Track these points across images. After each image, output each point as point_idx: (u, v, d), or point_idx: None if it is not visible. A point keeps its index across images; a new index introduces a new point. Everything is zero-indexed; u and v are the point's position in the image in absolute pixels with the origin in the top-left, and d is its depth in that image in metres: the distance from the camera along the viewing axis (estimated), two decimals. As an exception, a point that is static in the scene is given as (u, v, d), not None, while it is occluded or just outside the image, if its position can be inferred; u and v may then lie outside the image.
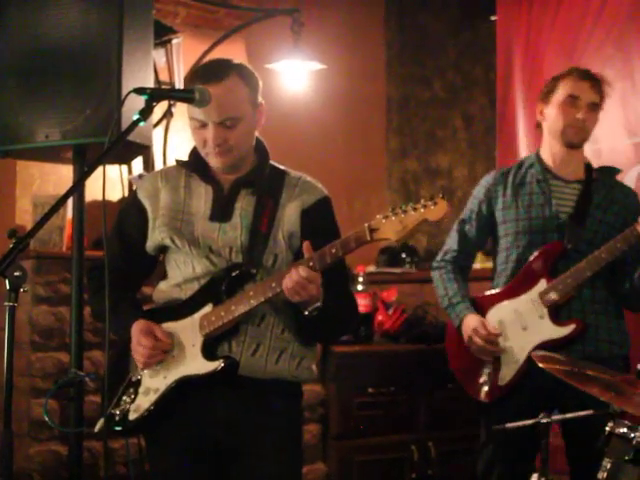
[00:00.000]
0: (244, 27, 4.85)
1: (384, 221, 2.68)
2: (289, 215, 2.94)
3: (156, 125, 4.71)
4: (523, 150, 5.11)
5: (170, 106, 4.63)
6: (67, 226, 4.45)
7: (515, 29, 5.18)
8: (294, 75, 5.28)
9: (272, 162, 3.04)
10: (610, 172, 3.84)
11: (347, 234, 2.74)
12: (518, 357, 3.70)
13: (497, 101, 5.42)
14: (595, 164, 3.85)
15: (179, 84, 4.55)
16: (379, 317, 5.49)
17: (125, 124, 3.05)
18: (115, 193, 4.72)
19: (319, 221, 2.96)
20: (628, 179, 4.37)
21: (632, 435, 2.80)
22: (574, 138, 3.71)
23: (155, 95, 2.71)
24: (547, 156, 3.79)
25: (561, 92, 3.69)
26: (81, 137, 3.39)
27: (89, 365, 4.27)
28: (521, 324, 3.71)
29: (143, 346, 2.87)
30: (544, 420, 3.14)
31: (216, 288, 2.90)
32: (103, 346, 3.96)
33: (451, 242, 3.96)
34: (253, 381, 2.89)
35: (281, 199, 2.96)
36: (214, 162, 2.92)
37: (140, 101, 2.71)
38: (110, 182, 4.07)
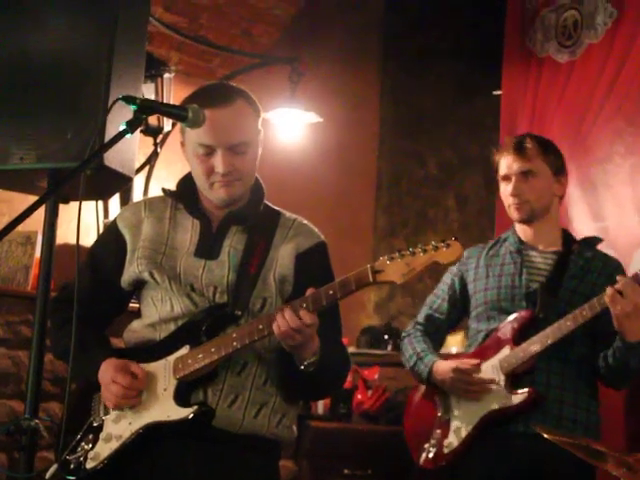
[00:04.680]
0: (238, 74, 4.69)
1: (389, 263, 2.47)
2: (282, 258, 2.74)
3: (138, 171, 4.47)
4: (523, 226, 4.90)
5: (156, 146, 4.40)
6: (34, 266, 4.24)
7: (521, 102, 5.08)
8: (289, 125, 5.20)
9: (266, 201, 2.85)
10: (591, 242, 3.68)
11: (347, 274, 2.51)
12: (467, 424, 3.53)
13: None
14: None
15: (169, 124, 4.32)
16: (358, 396, 5.34)
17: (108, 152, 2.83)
18: (89, 239, 4.46)
19: (314, 267, 2.76)
20: (636, 259, 4.14)
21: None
22: (519, 215, 3.62)
23: (145, 107, 2.49)
24: (519, 230, 3.71)
25: (499, 173, 3.67)
26: (59, 161, 3.11)
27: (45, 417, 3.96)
28: (467, 398, 3.56)
29: (118, 384, 2.63)
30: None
31: (195, 329, 2.67)
32: (62, 398, 3.68)
33: (420, 316, 3.87)
34: (227, 435, 2.65)
35: (274, 240, 2.77)
36: (218, 194, 2.71)
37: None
38: (84, 227, 3.78)
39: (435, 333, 3.81)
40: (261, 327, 2.56)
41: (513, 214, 3.61)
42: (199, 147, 2.67)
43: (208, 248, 2.73)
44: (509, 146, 3.63)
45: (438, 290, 3.85)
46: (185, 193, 2.80)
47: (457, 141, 6.22)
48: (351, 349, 5.66)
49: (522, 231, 3.66)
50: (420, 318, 3.84)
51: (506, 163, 3.61)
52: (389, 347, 5.95)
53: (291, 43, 5.52)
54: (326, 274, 2.76)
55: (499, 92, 5.33)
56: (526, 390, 3.43)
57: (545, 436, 2.83)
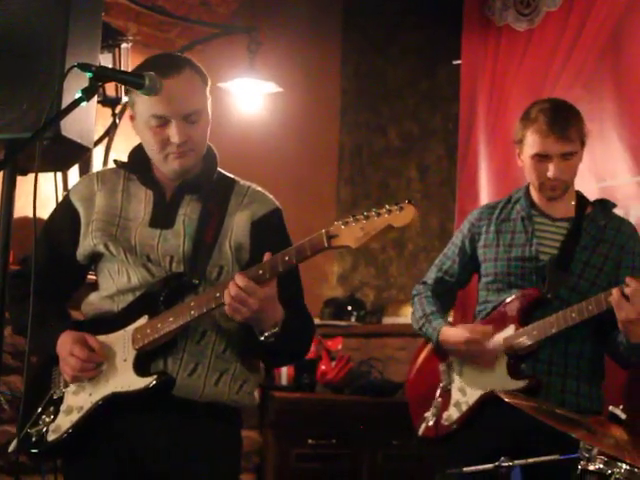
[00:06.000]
0: (197, 44, 4.66)
1: (343, 227, 2.48)
2: (238, 225, 2.73)
3: (97, 142, 4.42)
4: (484, 194, 4.92)
5: (115, 117, 4.36)
6: (-8, 240, 4.12)
7: (480, 71, 5.06)
8: (248, 95, 5.18)
9: (220, 169, 2.83)
10: (605, 206, 3.55)
11: (302, 240, 2.51)
12: (468, 399, 3.49)
13: (459, 144, 5.25)
14: None
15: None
16: (322, 367, 5.35)
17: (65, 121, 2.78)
18: (48, 211, 4.41)
19: (270, 234, 2.76)
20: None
21: (609, 471, 2.55)
22: (552, 194, 3.47)
23: (100, 74, 2.48)
24: (534, 193, 3.56)
25: (529, 147, 3.43)
26: (15, 132, 3.08)
27: (6, 391, 3.94)
28: (479, 366, 3.49)
29: (75, 357, 2.63)
30: (505, 464, 2.93)
31: (153, 299, 2.67)
32: (22, 371, 3.65)
33: (429, 277, 3.75)
34: (188, 404, 2.65)
35: (229, 208, 2.76)
36: (172, 166, 2.69)
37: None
38: (44, 199, 3.73)
39: (445, 294, 3.72)
40: (218, 295, 2.55)
41: (546, 192, 3.45)
42: (152, 119, 2.65)
43: (162, 218, 2.72)
44: (547, 123, 3.38)
45: (448, 251, 3.71)
46: (137, 164, 2.78)
47: (418, 112, 6.19)
48: (315, 320, 5.63)
49: (536, 193, 3.52)
50: (429, 280, 3.72)
51: (543, 142, 3.38)
52: (352, 318, 5.97)
53: (250, 12, 5.46)
54: (282, 240, 2.76)
55: (459, 62, 5.32)
56: (527, 379, 3.37)
57: (506, 400, 2.84)
